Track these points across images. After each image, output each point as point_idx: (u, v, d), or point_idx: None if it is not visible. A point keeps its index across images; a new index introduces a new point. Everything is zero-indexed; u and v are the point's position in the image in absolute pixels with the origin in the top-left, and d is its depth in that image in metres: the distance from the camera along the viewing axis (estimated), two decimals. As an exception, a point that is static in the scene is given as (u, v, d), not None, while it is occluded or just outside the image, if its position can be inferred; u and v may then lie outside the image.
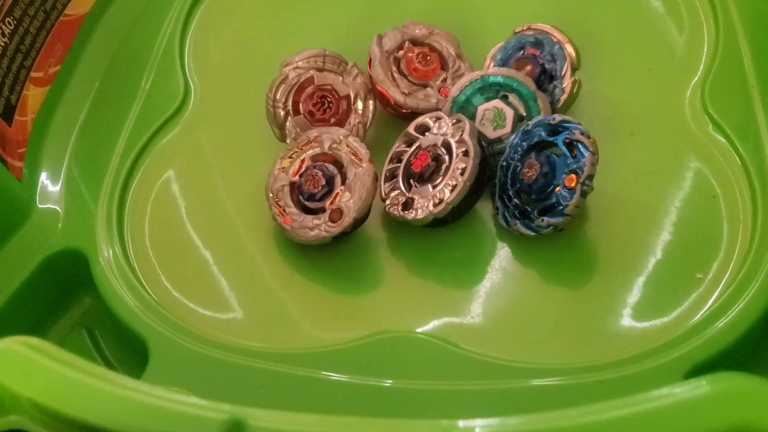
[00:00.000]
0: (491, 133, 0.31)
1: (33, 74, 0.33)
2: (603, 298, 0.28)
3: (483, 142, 0.30)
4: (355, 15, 0.37)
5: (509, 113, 0.31)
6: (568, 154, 0.28)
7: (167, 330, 0.28)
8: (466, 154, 0.29)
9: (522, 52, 0.33)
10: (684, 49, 0.35)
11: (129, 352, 0.29)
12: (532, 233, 0.29)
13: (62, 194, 0.32)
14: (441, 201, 0.29)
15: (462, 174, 0.29)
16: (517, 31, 0.33)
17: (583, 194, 0.28)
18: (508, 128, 0.31)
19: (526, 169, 0.29)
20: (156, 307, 0.29)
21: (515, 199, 0.29)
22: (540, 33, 0.33)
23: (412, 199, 0.29)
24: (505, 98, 0.31)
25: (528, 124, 0.30)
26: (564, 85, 0.32)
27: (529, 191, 0.29)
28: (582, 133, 0.28)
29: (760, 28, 0.34)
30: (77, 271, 0.30)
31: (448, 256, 0.30)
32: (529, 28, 0.33)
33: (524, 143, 0.30)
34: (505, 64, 0.33)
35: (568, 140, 0.28)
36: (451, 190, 0.29)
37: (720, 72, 0.33)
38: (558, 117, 0.29)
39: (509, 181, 0.30)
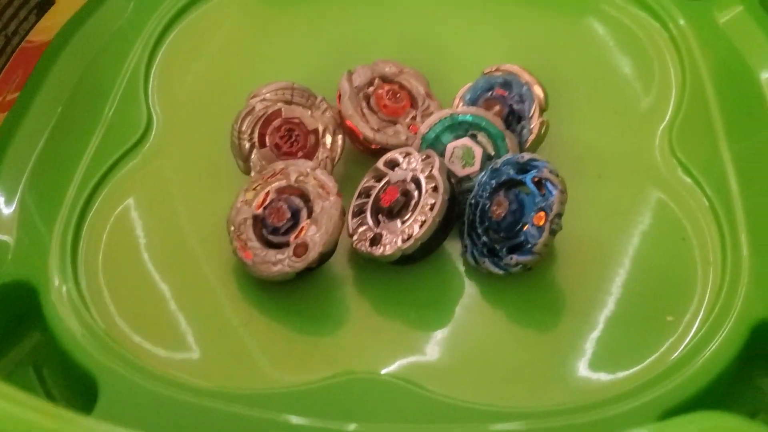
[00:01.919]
0: (460, 171, 0.31)
1: (-10, 100, 0.32)
2: (572, 339, 0.28)
3: (452, 180, 0.30)
4: (326, 50, 0.38)
5: (478, 151, 0.31)
6: (536, 192, 0.28)
7: (119, 366, 0.27)
8: (435, 189, 0.29)
9: (491, 92, 0.33)
10: (651, 93, 0.35)
11: (78, 390, 0.28)
12: (501, 272, 0.29)
13: (15, 224, 0.31)
14: (410, 237, 0.28)
15: (431, 209, 0.28)
16: (486, 71, 0.34)
17: (552, 232, 0.28)
18: (476, 166, 0.31)
19: (495, 207, 0.29)
20: (108, 342, 0.28)
21: (484, 237, 0.29)
22: (509, 74, 0.33)
23: (380, 235, 0.29)
24: (473, 137, 0.31)
25: (497, 163, 0.30)
26: (532, 126, 0.32)
27: (498, 229, 0.29)
28: (550, 171, 0.28)
29: (724, 74, 0.35)
30: (26, 304, 0.29)
31: (416, 294, 0.30)
32: (498, 69, 0.33)
33: (493, 181, 0.29)
34: (474, 103, 0.33)
35: (536, 178, 0.28)
36: (420, 226, 0.28)
37: (687, 116, 0.34)
38: (526, 155, 0.29)
39: (478, 219, 0.29)
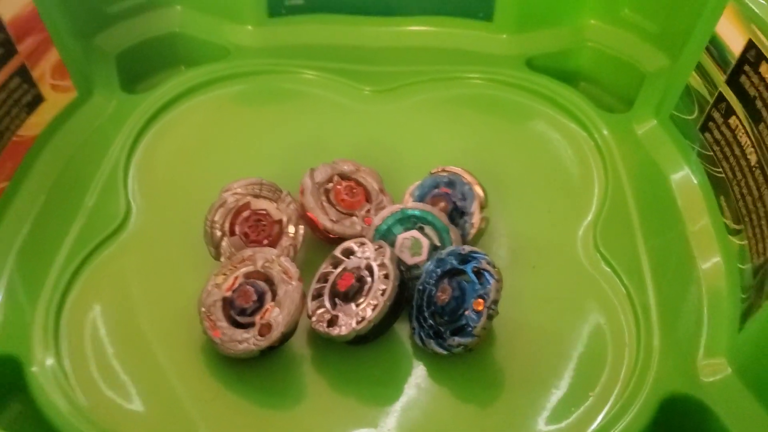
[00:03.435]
0: (409, 260, 0.34)
1: (-19, 189, 0.35)
2: (508, 413, 0.31)
3: (402, 267, 0.33)
4: (291, 148, 0.41)
5: (425, 243, 0.34)
6: (476, 281, 0.32)
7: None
8: (386, 276, 0.32)
9: (437, 189, 0.37)
10: (579, 193, 0.39)
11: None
12: (445, 352, 0.31)
13: (1, 301, 0.33)
14: (363, 319, 0.31)
15: (383, 294, 0.31)
16: (432, 171, 0.37)
17: (490, 317, 0.31)
18: (424, 256, 0.34)
19: (440, 293, 0.32)
20: (88, 415, 0.29)
21: (430, 320, 0.32)
22: (453, 174, 0.37)
23: (337, 317, 0.32)
24: (421, 229, 0.35)
25: (441, 253, 0.33)
26: (473, 221, 0.35)
27: (442, 313, 0.32)
28: (488, 263, 0.32)
29: (641, 177, 0.39)
30: (10, 376, 0.31)
31: (368, 372, 0.32)
32: (443, 170, 0.37)
33: (438, 270, 0.33)
34: (422, 199, 0.37)
35: (476, 269, 0.32)
36: (373, 309, 0.31)
37: (609, 214, 0.38)
38: (467, 248, 0.33)
39: (425, 304, 0.33)
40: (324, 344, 0.33)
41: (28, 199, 0.37)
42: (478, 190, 0.36)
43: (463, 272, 0.32)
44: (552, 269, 0.36)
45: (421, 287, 0.33)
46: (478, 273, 0.32)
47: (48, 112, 0.40)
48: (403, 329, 0.33)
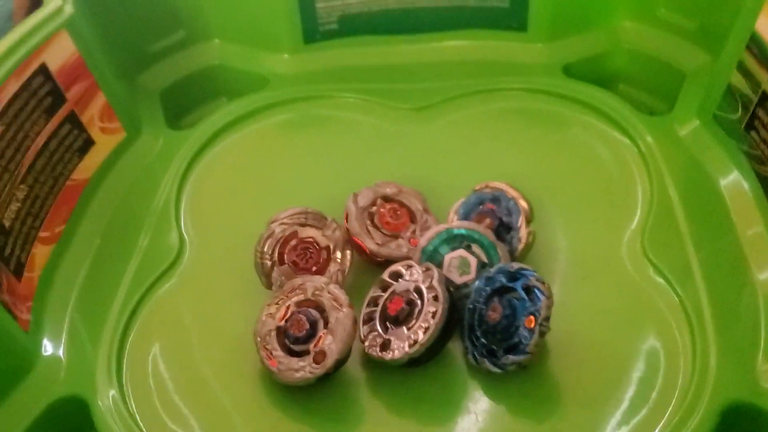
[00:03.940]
0: (458, 279, 0.34)
1: (41, 234, 0.36)
2: (564, 429, 0.31)
3: (450, 287, 0.33)
4: (333, 176, 0.41)
5: (473, 261, 0.34)
6: (526, 298, 0.32)
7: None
8: (436, 298, 0.32)
9: (481, 206, 0.37)
10: (623, 201, 0.39)
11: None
12: (499, 370, 0.32)
13: (65, 343, 0.34)
14: (416, 342, 0.31)
15: (433, 317, 0.31)
16: (476, 188, 0.37)
17: (542, 334, 0.31)
18: (472, 274, 0.34)
19: (491, 312, 0.32)
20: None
21: (482, 339, 0.32)
22: (497, 190, 0.37)
23: (389, 341, 0.32)
24: (468, 248, 0.35)
25: (490, 271, 0.33)
26: (520, 235, 0.35)
27: (494, 331, 0.32)
28: (537, 279, 0.32)
29: (687, 181, 0.39)
30: (78, 416, 0.32)
31: (424, 393, 0.32)
32: (486, 186, 0.37)
33: (488, 288, 0.33)
34: (467, 217, 0.37)
35: (525, 286, 0.32)
36: (425, 332, 0.31)
37: (656, 221, 0.37)
38: (516, 265, 0.33)
39: (476, 323, 0.33)
40: (378, 367, 0.33)
41: (84, 241, 0.38)
42: (523, 204, 0.36)
43: (513, 290, 0.32)
44: (601, 280, 0.36)
45: (471, 306, 0.33)
46: (528, 290, 0.32)
47: (98, 154, 0.41)
48: (456, 348, 0.34)
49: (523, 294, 0.32)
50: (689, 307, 0.34)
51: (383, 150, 0.43)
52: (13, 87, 0.35)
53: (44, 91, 0.37)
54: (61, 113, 0.38)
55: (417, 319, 0.32)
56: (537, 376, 0.32)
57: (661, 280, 0.35)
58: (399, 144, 0.43)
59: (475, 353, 0.33)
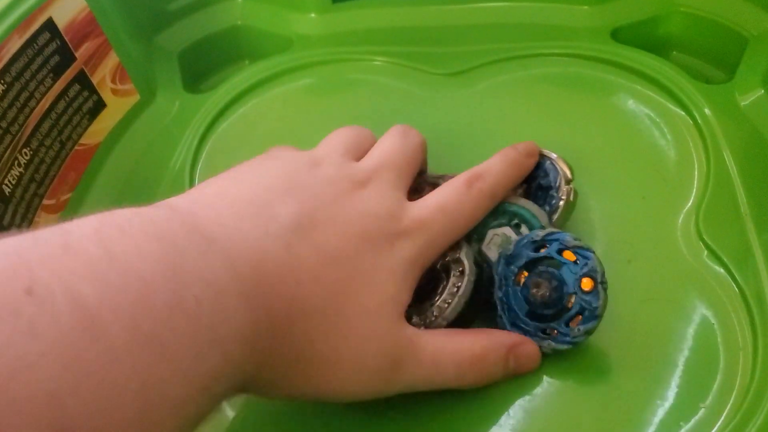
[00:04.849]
0: (495, 256, 0.31)
1: (45, 202, 0.34)
2: (611, 429, 0.28)
3: (489, 263, 0.30)
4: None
5: (515, 240, 0.31)
6: (568, 261, 0.29)
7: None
8: (462, 272, 0.29)
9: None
10: (676, 178, 0.35)
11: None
12: (567, 346, 0.29)
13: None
14: (437, 317, 0.29)
15: (458, 292, 0.29)
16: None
17: (605, 290, 0.28)
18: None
19: (534, 289, 0.29)
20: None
21: (532, 323, 0.29)
22: (535, 155, 0.34)
23: (409, 317, 0.29)
24: (517, 227, 0.32)
25: (509, 249, 0.30)
26: (560, 194, 0.32)
27: (545, 308, 0.29)
28: (573, 238, 0.29)
29: (749, 157, 0.35)
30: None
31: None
32: (522, 153, 0.34)
33: (513, 267, 0.30)
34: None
35: (561, 249, 0.29)
36: (447, 307, 0.29)
37: (713, 200, 0.34)
38: (540, 233, 0.30)
39: (517, 310, 0.30)
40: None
41: (92, 210, 0.36)
42: (562, 164, 0.33)
43: (544, 258, 0.29)
44: (650, 263, 0.32)
45: (502, 297, 0.30)
46: (566, 253, 0.29)
47: (110, 118, 0.39)
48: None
49: (562, 258, 0.29)
50: (750, 297, 0.30)
51: (414, 117, 0.40)
52: (16, 43, 0.33)
53: (51, 48, 0.35)
54: (70, 73, 0.36)
55: (441, 294, 0.29)
56: (578, 369, 0.30)
57: (718, 267, 0.32)
58: (431, 111, 0.40)
59: (533, 339, 0.29)
